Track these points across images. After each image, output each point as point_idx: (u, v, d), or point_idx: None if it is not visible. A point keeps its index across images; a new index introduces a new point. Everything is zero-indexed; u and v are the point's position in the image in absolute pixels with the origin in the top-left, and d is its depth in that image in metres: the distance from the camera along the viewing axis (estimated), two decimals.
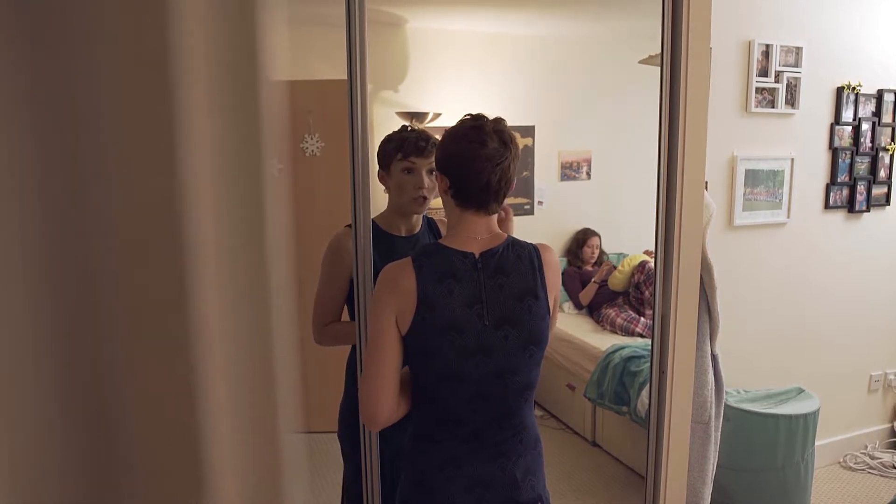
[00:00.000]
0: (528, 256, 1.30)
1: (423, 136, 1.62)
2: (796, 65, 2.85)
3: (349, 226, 1.62)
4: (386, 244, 1.60)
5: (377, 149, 1.66)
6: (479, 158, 1.23)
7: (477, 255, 1.26)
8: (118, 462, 0.40)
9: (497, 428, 1.29)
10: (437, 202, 1.50)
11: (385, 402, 1.23)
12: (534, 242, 1.35)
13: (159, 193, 0.37)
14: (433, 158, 1.60)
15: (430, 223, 1.80)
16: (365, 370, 1.26)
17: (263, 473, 0.42)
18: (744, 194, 2.83)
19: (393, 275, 1.24)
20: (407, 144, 1.59)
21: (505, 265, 1.27)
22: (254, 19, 0.40)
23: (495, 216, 1.32)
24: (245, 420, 0.41)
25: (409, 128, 1.67)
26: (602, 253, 3.86)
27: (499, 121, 1.28)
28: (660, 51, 1.83)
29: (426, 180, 1.59)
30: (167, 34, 0.36)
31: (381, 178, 1.65)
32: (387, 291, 1.23)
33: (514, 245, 1.30)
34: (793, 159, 2.92)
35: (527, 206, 3.77)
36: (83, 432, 0.39)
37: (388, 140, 1.64)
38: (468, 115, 1.29)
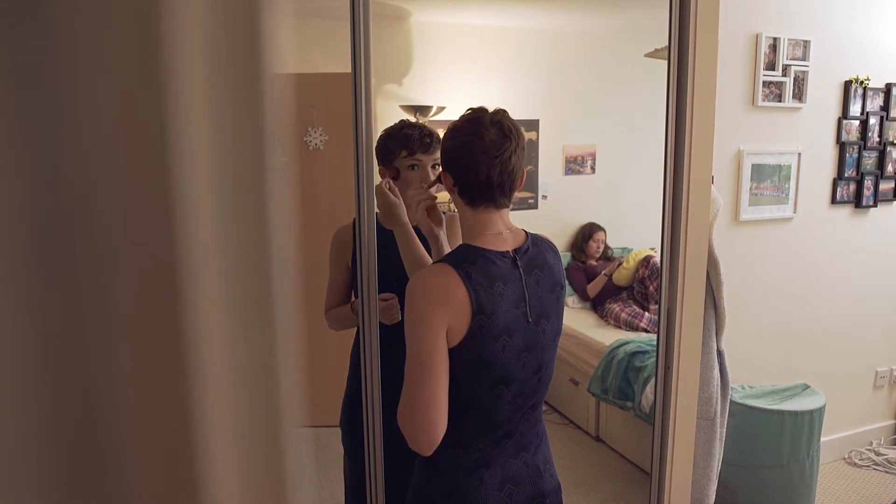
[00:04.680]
0: (550, 247, 1.31)
1: (427, 132, 1.64)
2: (804, 58, 2.82)
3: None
4: (383, 239, 1.60)
5: (376, 144, 1.66)
6: (476, 151, 1.19)
7: (512, 253, 1.24)
8: (114, 463, 0.39)
9: (524, 422, 1.28)
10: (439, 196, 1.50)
11: (441, 421, 1.14)
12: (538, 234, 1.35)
13: (155, 188, 0.37)
14: (437, 154, 1.61)
15: None
16: (414, 392, 1.14)
17: (266, 471, 0.41)
18: (750, 189, 2.81)
19: (439, 286, 1.15)
20: (412, 141, 1.61)
21: (537, 260, 1.26)
22: (256, 10, 0.39)
23: (506, 211, 1.28)
24: (247, 417, 0.40)
25: (407, 122, 1.68)
26: (607, 248, 3.85)
27: (498, 112, 1.23)
28: (666, 44, 1.82)
29: (431, 175, 1.62)
30: (161, 25, 0.35)
31: (382, 175, 1.65)
32: (435, 305, 1.13)
33: (536, 239, 1.31)
34: (800, 154, 2.90)
35: (531, 201, 3.75)
36: (77, 432, 0.39)
37: (390, 136, 1.64)
38: (470, 109, 1.26)
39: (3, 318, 0.37)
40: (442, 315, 1.13)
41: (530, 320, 1.22)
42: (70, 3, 0.35)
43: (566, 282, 1.30)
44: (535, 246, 1.28)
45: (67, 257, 0.38)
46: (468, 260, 1.18)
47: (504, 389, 1.21)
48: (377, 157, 1.66)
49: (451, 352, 1.15)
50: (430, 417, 1.13)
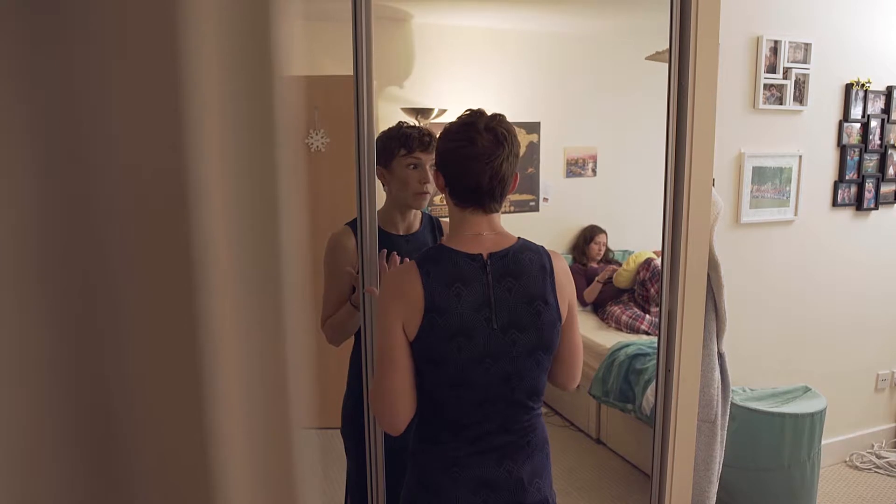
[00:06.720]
0: (539, 261, 1.26)
1: (426, 132, 1.64)
2: (805, 61, 2.83)
3: (348, 224, 1.63)
4: (384, 243, 1.60)
5: (375, 145, 1.66)
6: (468, 157, 1.20)
7: (485, 257, 1.22)
8: (127, 463, 0.40)
9: (504, 431, 1.26)
10: (438, 198, 1.51)
11: (402, 410, 1.21)
12: (544, 247, 1.31)
13: (167, 191, 0.37)
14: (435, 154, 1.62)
15: (431, 221, 1.80)
16: (377, 380, 1.23)
17: (277, 470, 0.41)
18: (751, 192, 2.82)
19: (399, 281, 1.21)
20: (411, 140, 1.61)
21: (514, 268, 1.23)
22: (266, 13, 0.39)
23: (497, 215, 1.28)
24: (257, 418, 0.40)
25: (405, 123, 1.68)
26: (608, 250, 3.85)
27: (494, 117, 1.23)
28: (667, 47, 1.82)
29: (430, 175, 1.61)
30: (177, 28, 0.36)
31: (381, 175, 1.65)
32: (393, 298, 1.20)
33: (525, 248, 1.27)
34: (800, 157, 2.90)
35: (532, 203, 3.75)
36: (91, 434, 0.39)
37: (388, 137, 1.64)
38: (468, 110, 1.26)
39: (16, 316, 0.37)
40: (397, 309, 1.19)
41: (495, 326, 1.21)
42: (89, 6, 0.36)
43: (555, 299, 1.25)
44: (520, 254, 1.25)
45: (82, 255, 0.38)
46: (433, 259, 1.22)
47: (464, 391, 1.22)
48: (377, 159, 1.66)
49: (411, 346, 1.20)
50: (389, 404, 1.21)
